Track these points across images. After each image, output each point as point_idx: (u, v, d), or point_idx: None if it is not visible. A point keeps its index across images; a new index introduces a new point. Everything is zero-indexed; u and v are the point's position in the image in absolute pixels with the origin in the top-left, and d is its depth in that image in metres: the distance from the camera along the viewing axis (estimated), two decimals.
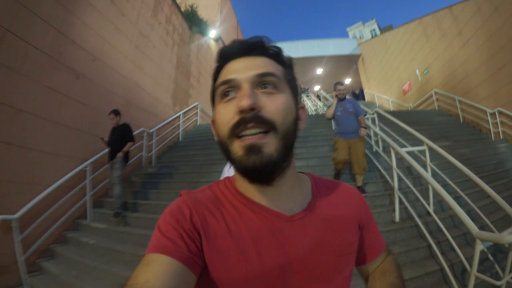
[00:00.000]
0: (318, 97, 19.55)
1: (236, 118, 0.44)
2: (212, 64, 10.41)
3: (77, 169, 3.85)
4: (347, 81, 21.12)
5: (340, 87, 3.93)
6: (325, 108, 11.34)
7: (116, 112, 4.09)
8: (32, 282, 2.97)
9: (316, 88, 22.38)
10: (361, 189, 3.66)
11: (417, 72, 10.49)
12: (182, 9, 8.51)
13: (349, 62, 17.87)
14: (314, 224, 0.52)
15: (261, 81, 0.47)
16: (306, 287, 0.49)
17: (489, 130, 6.70)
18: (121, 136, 3.97)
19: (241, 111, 0.43)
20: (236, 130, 0.44)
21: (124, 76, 5.22)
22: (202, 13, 10.06)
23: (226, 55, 0.51)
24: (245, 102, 0.43)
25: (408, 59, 11.28)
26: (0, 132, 3.06)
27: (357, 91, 21.54)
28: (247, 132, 0.43)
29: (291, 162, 0.51)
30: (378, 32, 34.53)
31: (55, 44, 3.80)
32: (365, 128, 3.80)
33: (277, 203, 0.51)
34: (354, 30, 37.35)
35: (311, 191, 0.57)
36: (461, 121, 7.64)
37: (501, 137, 6.36)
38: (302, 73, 19.16)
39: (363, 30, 36.41)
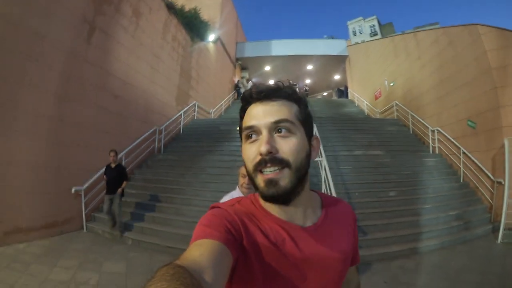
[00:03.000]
0: (307, 93, 21.11)
1: (258, 158, 0.58)
2: (209, 64, 12.50)
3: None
4: (336, 77, 22.61)
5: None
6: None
7: (116, 152, 5.13)
8: (88, 226, 5.35)
9: (307, 81, 23.77)
10: None
11: (386, 83, 12.04)
12: (186, 9, 10.19)
13: (338, 61, 19.42)
14: (323, 235, 0.65)
15: (277, 127, 0.59)
16: (316, 281, 0.62)
17: (429, 144, 8.00)
18: (119, 175, 4.97)
19: (261, 154, 0.57)
20: (258, 168, 0.58)
21: (144, 91, 7.45)
22: (204, 13, 11.46)
23: (248, 100, 0.64)
24: (263, 148, 0.56)
25: (381, 70, 12.68)
26: (74, 138, 5.37)
27: (342, 88, 22.76)
28: (267, 169, 0.57)
29: (305, 186, 0.63)
30: (377, 28, 35.07)
31: (101, 77, 6.02)
32: None
33: (293, 218, 0.64)
34: (354, 25, 37.48)
35: (321, 207, 0.71)
36: (410, 132, 9.15)
37: (437, 152, 7.73)
38: (294, 68, 20.84)
39: (363, 25, 36.64)
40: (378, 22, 36.40)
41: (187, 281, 0.37)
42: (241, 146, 0.65)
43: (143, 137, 7.08)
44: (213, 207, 0.65)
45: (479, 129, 6.45)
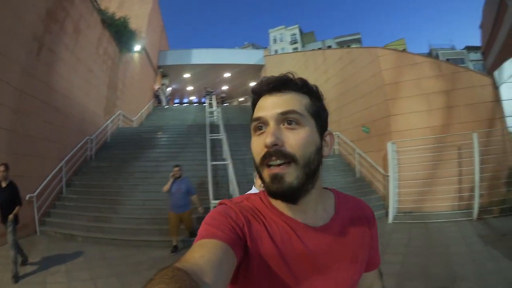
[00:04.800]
0: (224, 100, 23.02)
1: (264, 150, 0.56)
2: (134, 73, 13.24)
3: (57, 167, 6.90)
4: (252, 84, 24.35)
5: (175, 168, 5.13)
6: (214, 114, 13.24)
7: (7, 166, 4.04)
8: (41, 230, 6.01)
9: (224, 88, 25.50)
10: (191, 234, 5.21)
11: None
12: (117, 16, 10.78)
13: (255, 69, 20.86)
14: (334, 236, 0.63)
15: (285, 118, 0.57)
16: (324, 284, 0.60)
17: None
18: (11, 197, 3.97)
19: (266, 146, 0.55)
20: (264, 161, 0.56)
21: (78, 103, 8.15)
22: (132, 22, 12.03)
23: (258, 92, 0.63)
24: (268, 140, 0.55)
25: None
26: (26, 149, 6.03)
27: None
28: (272, 162, 0.55)
29: (315, 184, 0.61)
30: (298, 37, 37.88)
31: (46, 92, 6.69)
32: (200, 207, 5.21)
33: (303, 216, 0.62)
34: (275, 33, 39.37)
35: (334, 206, 0.68)
36: None
37: (337, 153, 9.42)
38: (213, 76, 22.08)
39: (284, 33, 38.82)
40: (300, 30, 39.03)
41: (186, 284, 0.37)
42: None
43: (78, 146, 7.84)
44: (220, 204, 0.65)
45: (373, 133, 7.97)
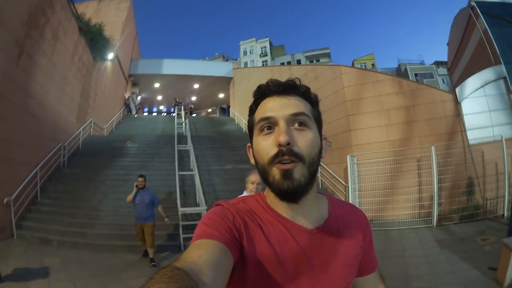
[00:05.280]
0: (192, 111, 23.33)
1: (275, 150, 0.57)
2: (106, 81, 13.22)
3: (32, 172, 6.87)
4: (221, 95, 24.78)
5: (140, 179, 4.92)
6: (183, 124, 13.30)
7: None
8: (18, 234, 5.98)
9: (193, 98, 25.81)
10: (152, 261, 4.79)
11: None
12: (93, 23, 10.86)
13: (224, 81, 21.51)
14: (328, 238, 0.65)
15: (294, 119, 0.60)
16: (318, 285, 0.61)
17: None
18: None
19: (279, 145, 0.56)
20: (275, 160, 0.57)
21: (52, 110, 8.14)
22: (107, 29, 12.16)
23: (264, 92, 0.64)
24: (282, 138, 0.56)
25: None
26: (2, 153, 6.03)
27: (225, 106, 25.18)
28: (284, 161, 0.56)
29: (313, 185, 0.63)
30: (268, 50, 38.06)
31: (23, 98, 6.71)
32: (166, 217, 5.24)
33: (299, 218, 0.63)
34: (246, 45, 39.44)
35: (328, 210, 0.70)
36: None
37: None
38: (183, 86, 22.47)
39: (254, 46, 38.79)
40: (270, 44, 39.13)
41: (185, 284, 0.38)
42: (251, 138, 0.65)
43: (52, 152, 7.80)
44: (217, 205, 0.66)
45: (334, 147, 8.26)
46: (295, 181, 0.56)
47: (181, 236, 5.71)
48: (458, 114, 7.32)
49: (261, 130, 0.62)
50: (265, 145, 0.60)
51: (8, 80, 6.14)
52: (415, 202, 6.89)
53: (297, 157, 0.57)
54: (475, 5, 9.41)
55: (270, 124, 0.61)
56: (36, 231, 6.01)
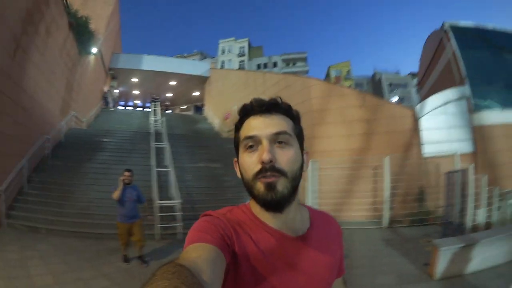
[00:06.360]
0: (167, 107, 23.40)
1: (259, 166, 0.62)
2: (89, 74, 13.31)
3: (21, 164, 7.13)
4: (196, 93, 25.07)
5: (126, 173, 4.56)
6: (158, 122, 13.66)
7: None
8: (8, 222, 6.25)
9: (169, 95, 25.90)
10: (142, 259, 4.64)
11: (235, 108, 13.40)
12: (79, 15, 10.93)
13: (200, 80, 22.05)
14: (311, 244, 0.70)
15: (276, 138, 0.64)
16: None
17: None
18: None
19: (262, 162, 0.61)
20: (259, 176, 0.62)
21: (41, 104, 8.38)
22: (92, 22, 12.09)
23: (248, 111, 0.68)
24: (265, 156, 0.60)
25: (232, 96, 15.08)
26: None
27: (199, 104, 25.66)
28: (266, 176, 0.61)
29: (296, 197, 0.67)
30: (246, 50, 38.24)
31: (17, 92, 6.99)
32: (151, 215, 5.13)
33: (284, 227, 0.68)
34: (225, 44, 39.37)
35: (309, 219, 0.75)
36: None
37: None
38: (160, 82, 22.75)
39: (233, 45, 38.92)
40: (249, 44, 39.10)
41: (188, 280, 0.39)
42: (237, 154, 0.70)
43: (38, 144, 8.04)
44: (205, 215, 0.68)
45: None
46: (278, 192, 0.61)
47: (158, 225, 6.34)
48: (416, 129, 8.02)
49: (246, 147, 0.66)
50: (250, 162, 0.64)
51: (6, 75, 6.43)
52: (368, 205, 7.41)
53: (279, 172, 0.62)
54: (448, 28, 10.00)
55: (253, 143, 0.65)
56: (25, 220, 6.34)
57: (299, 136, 0.71)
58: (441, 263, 3.93)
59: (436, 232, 6.26)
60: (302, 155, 0.70)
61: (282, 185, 0.62)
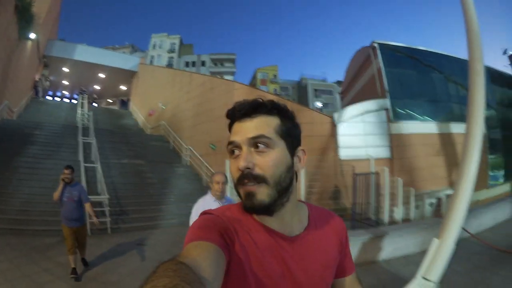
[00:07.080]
0: (94, 100, 21.62)
1: (238, 173, 0.62)
2: (24, 62, 12.08)
3: None
4: (123, 88, 24.04)
5: (66, 171, 4.01)
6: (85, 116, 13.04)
7: None
8: None
9: (97, 87, 24.37)
10: (84, 261, 4.27)
11: (160, 105, 14.35)
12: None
13: (128, 75, 21.46)
14: (308, 244, 0.69)
15: (254, 142, 0.62)
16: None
17: (183, 158, 10.49)
18: None
19: (239, 170, 0.61)
20: (239, 182, 0.62)
21: None
22: (35, 5, 11.04)
23: (232, 116, 0.67)
24: (241, 163, 0.61)
25: (159, 93, 14.77)
26: None
27: (125, 99, 24.59)
28: (246, 183, 0.61)
29: (290, 197, 0.66)
30: (177, 47, 37.37)
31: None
32: (96, 217, 4.26)
33: (280, 227, 0.67)
34: (157, 39, 38.17)
35: (308, 217, 0.74)
36: (171, 148, 11.49)
37: (188, 164, 10.32)
38: (89, 73, 21.52)
39: (165, 41, 37.72)
40: (181, 41, 38.36)
41: (188, 278, 0.38)
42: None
43: None
44: (205, 213, 0.67)
45: (218, 150, 9.16)
46: (256, 201, 0.61)
47: (88, 221, 6.01)
48: (333, 134, 8.63)
49: (231, 153, 0.66)
50: (233, 168, 0.64)
51: None
52: None
53: (257, 179, 0.60)
54: (377, 46, 10.69)
55: (235, 148, 0.64)
56: None
57: (288, 134, 0.67)
58: (352, 252, 5.06)
59: (353, 226, 6.84)
60: (293, 154, 0.67)
61: (262, 193, 0.61)
